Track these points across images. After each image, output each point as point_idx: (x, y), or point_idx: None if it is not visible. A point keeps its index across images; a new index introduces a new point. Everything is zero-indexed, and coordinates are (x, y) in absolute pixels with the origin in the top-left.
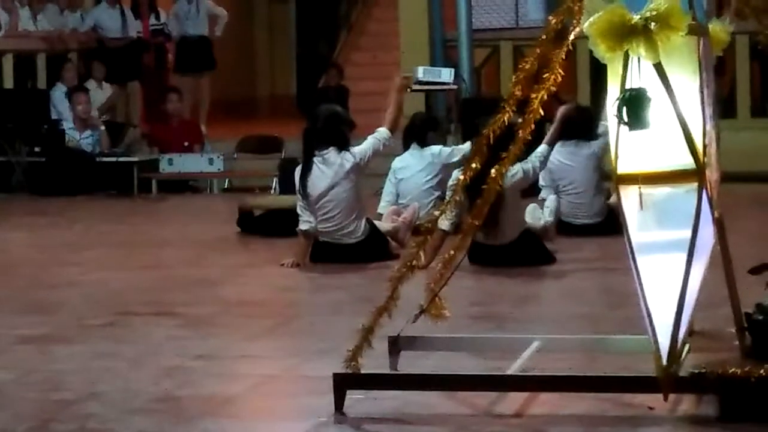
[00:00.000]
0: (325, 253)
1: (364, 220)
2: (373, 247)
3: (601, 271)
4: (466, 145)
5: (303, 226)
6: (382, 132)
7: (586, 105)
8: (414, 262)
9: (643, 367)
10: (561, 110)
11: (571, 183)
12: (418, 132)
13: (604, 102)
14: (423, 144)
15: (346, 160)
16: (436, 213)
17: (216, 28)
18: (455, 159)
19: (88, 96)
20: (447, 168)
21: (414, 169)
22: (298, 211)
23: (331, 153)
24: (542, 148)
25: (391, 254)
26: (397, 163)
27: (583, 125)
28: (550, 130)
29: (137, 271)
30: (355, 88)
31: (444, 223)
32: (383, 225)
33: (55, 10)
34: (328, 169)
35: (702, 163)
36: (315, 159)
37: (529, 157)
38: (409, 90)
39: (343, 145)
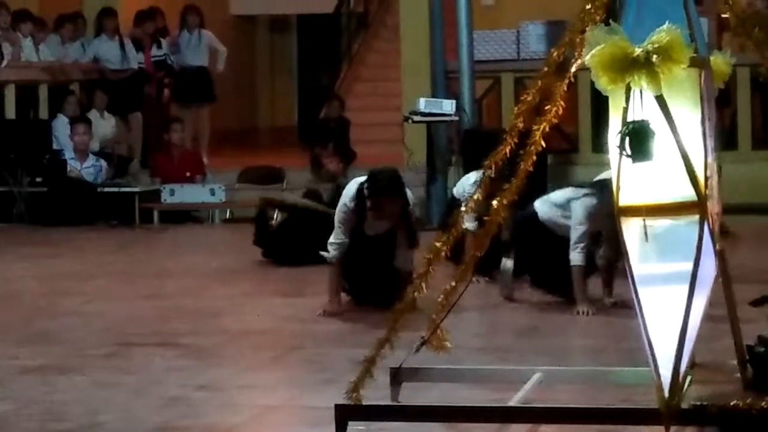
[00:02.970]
0: None
1: None
2: None
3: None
4: None
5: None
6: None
7: None
8: (416, 294)
9: (644, 399)
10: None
11: None
12: None
13: (605, 134)
14: None
15: None
16: (437, 244)
17: (217, 62)
18: None
19: (86, 127)
20: None
21: None
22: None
23: None
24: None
25: None
26: None
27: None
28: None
29: (139, 301)
30: (356, 120)
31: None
32: None
33: (57, 40)
34: None
35: (704, 195)
36: None
37: None
38: (411, 121)
39: None
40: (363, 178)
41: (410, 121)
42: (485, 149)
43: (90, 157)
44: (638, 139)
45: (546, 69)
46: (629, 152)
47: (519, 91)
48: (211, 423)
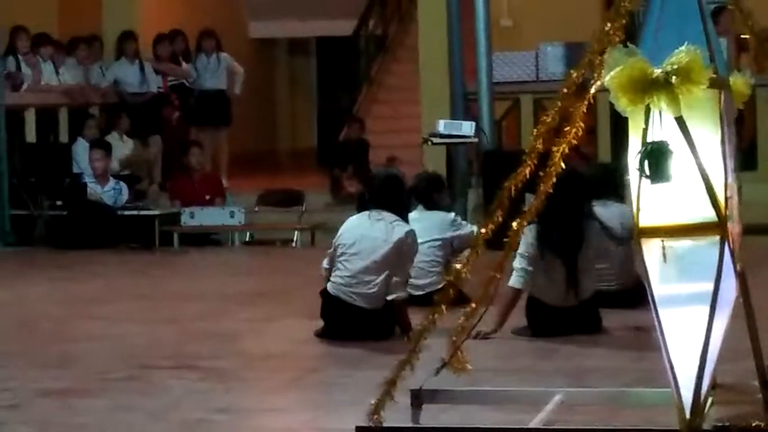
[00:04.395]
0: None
1: None
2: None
3: (623, 323)
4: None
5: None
6: None
7: None
8: (436, 316)
9: (666, 420)
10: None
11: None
12: (422, 194)
13: (625, 155)
14: (429, 206)
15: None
16: (458, 266)
17: (234, 85)
18: (462, 232)
19: (104, 152)
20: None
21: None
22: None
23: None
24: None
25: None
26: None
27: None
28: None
29: (158, 324)
30: (376, 142)
31: (515, 280)
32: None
33: (77, 64)
34: None
35: (724, 216)
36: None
37: None
38: (430, 143)
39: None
40: None
41: (430, 143)
42: (505, 170)
43: (110, 180)
44: (657, 160)
45: (565, 90)
46: (648, 173)
47: (538, 112)
48: None
